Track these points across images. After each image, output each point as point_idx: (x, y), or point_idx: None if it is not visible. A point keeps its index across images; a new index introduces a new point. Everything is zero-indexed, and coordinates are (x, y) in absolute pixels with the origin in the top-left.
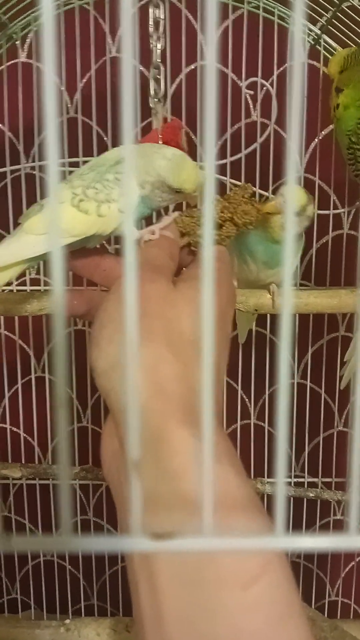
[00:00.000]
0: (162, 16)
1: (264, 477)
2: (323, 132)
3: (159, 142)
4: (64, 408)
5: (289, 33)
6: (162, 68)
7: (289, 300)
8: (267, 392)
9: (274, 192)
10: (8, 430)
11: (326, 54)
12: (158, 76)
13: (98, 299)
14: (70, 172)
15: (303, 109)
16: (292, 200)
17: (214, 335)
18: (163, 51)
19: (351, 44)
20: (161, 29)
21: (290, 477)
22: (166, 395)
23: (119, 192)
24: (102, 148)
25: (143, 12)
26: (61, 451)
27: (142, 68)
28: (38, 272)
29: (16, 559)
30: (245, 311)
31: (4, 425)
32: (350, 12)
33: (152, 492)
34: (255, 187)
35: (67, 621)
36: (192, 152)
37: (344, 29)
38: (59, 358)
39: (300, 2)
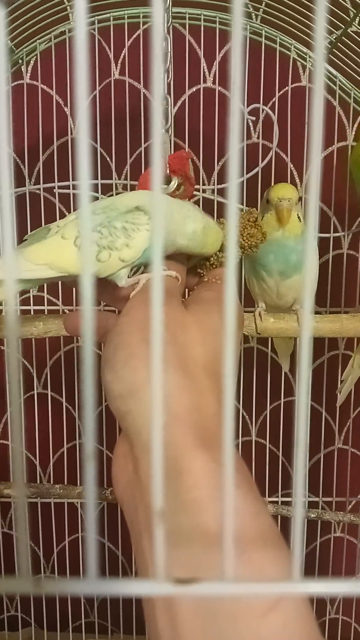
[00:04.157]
0: (168, 48)
1: (265, 495)
2: (323, 154)
3: (167, 171)
4: (92, 460)
5: (290, 60)
6: (169, 99)
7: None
8: (268, 409)
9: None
10: (10, 447)
11: (327, 81)
12: (166, 106)
13: (106, 319)
14: (75, 194)
15: (306, 128)
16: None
17: None
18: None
19: (351, 72)
20: (168, 62)
21: (291, 495)
22: (183, 425)
23: (123, 242)
24: (105, 168)
25: (148, 40)
26: (90, 522)
27: (144, 91)
28: (42, 290)
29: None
30: (284, 337)
31: (5, 442)
32: (349, 41)
33: (171, 525)
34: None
35: None
36: (195, 176)
37: (344, 57)
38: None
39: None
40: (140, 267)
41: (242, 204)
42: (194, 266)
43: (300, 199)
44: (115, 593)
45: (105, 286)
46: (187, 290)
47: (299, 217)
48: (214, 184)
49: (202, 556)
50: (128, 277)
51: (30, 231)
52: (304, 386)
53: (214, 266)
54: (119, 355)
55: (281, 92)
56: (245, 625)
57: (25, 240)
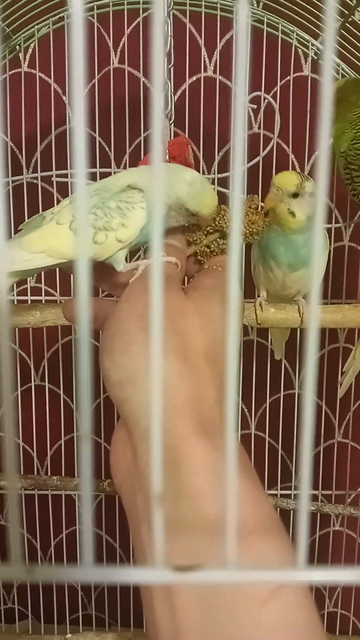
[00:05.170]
0: (169, 32)
1: (264, 488)
2: None
3: (166, 156)
4: (88, 439)
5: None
6: (169, 84)
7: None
8: (267, 403)
9: None
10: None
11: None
12: (166, 91)
13: (106, 307)
14: (73, 183)
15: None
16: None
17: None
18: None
19: (354, 60)
20: (168, 47)
21: (290, 488)
22: (184, 413)
23: (119, 222)
24: (104, 157)
25: (148, 27)
26: (85, 501)
27: (144, 80)
28: (39, 281)
29: None
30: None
31: (2, 434)
32: (353, 28)
33: (171, 514)
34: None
35: (69, 635)
36: (196, 164)
37: (347, 44)
38: (83, 391)
39: None
40: (139, 251)
41: (243, 193)
42: (194, 253)
43: (300, 189)
44: (112, 581)
45: (104, 272)
46: (186, 277)
47: (292, 213)
48: (214, 174)
49: (201, 543)
50: (126, 262)
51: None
52: (311, 376)
53: (214, 253)
54: (118, 342)
55: (283, 81)
56: (245, 614)
57: (21, 230)
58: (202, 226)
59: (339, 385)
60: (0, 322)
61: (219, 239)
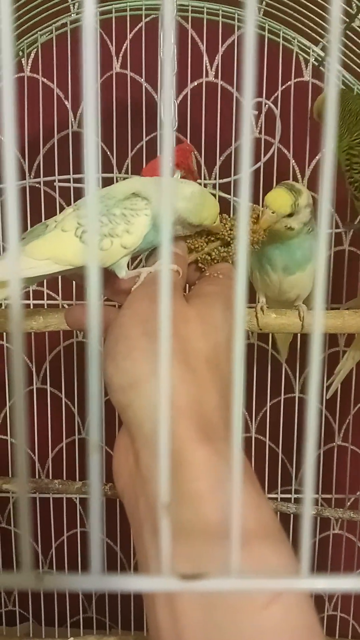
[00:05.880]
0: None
1: (264, 492)
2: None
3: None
4: (97, 450)
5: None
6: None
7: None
8: (267, 406)
9: None
10: (9, 442)
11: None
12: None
13: (107, 313)
14: (75, 188)
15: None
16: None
17: (229, 355)
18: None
19: (355, 67)
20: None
21: (290, 492)
22: (185, 417)
23: (123, 228)
24: (106, 162)
25: (150, 32)
26: (94, 527)
27: (146, 85)
28: (41, 285)
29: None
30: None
31: (4, 437)
32: (353, 36)
33: (173, 518)
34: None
35: (71, 639)
36: (198, 170)
37: (348, 52)
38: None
39: None
40: (141, 257)
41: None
42: (195, 261)
43: (294, 208)
44: (120, 589)
45: (106, 279)
46: (187, 285)
47: (289, 228)
48: (215, 179)
49: (203, 548)
50: (128, 269)
51: (30, 225)
52: (315, 381)
53: (215, 261)
54: (120, 347)
55: (284, 86)
56: (246, 617)
57: (23, 239)
58: (211, 233)
59: (338, 393)
60: (13, 328)
61: (220, 247)
